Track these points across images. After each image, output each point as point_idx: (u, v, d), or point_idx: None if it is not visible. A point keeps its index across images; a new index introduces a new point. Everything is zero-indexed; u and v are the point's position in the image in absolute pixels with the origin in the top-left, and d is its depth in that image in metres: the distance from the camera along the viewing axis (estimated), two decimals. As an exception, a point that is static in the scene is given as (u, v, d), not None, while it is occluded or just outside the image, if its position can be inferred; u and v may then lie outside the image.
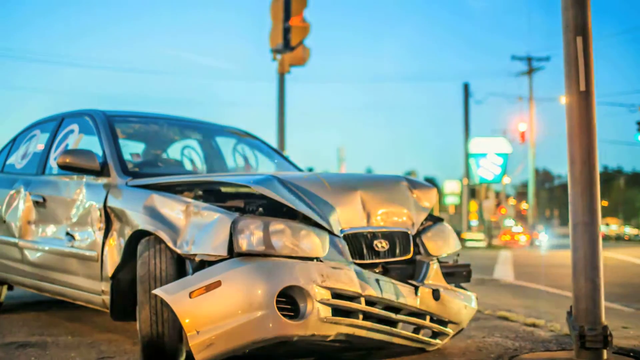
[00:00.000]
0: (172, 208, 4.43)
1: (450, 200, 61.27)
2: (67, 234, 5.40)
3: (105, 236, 4.95)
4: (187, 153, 6.71)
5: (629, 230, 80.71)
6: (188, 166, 6.59)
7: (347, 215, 4.37)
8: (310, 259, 4.07)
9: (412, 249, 4.59)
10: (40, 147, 6.55)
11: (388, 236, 4.49)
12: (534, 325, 6.23)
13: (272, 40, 13.72)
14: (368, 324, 4.13)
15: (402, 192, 4.81)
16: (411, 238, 4.62)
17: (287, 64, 13.87)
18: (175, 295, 3.85)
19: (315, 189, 4.39)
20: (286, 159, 7.06)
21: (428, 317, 4.48)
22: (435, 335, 4.65)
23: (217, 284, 3.82)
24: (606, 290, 4.55)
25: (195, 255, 4.07)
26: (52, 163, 6.08)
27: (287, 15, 13.51)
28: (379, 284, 4.19)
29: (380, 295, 4.16)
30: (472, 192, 46.82)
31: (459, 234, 38.12)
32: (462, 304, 4.71)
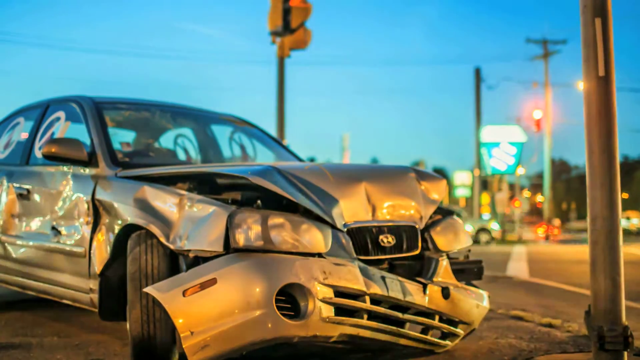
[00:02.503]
0: (165, 201, 4.43)
1: (461, 193, 61.30)
2: (53, 228, 5.40)
3: (94, 231, 4.95)
4: (180, 142, 6.71)
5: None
6: (182, 156, 6.59)
7: (351, 209, 4.36)
8: (312, 254, 4.06)
9: (420, 244, 4.59)
10: (24, 135, 6.54)
11: (394, 230, 4.48)
12: (549, 325, 6.22)
13: (271, 22, 13.69)
14: (373, 324, 4.12)
15: (409, 184, 4.80)
16: (419, 232, 4.61)
17: (287, 47, 13.85)
18: (168, 294, 3.85)
19: (317, 181, 4.39)
20: (286, 148, 7.05)
21: (437, 317, 4.47)
22: (444, 336, 4.65)
23: (213, 281, 3.82)
24: (627, 288, 4.55)
25: (189, 250, 4.06)
26: (37, 153, 6.08)
27: (287, -5, 13.49)
28: (384, 281, 4.19)
29: (386, 293, 4.15)
30: (484, 184, 46.83)
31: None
32: (474, 303, 4.70)
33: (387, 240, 4.40)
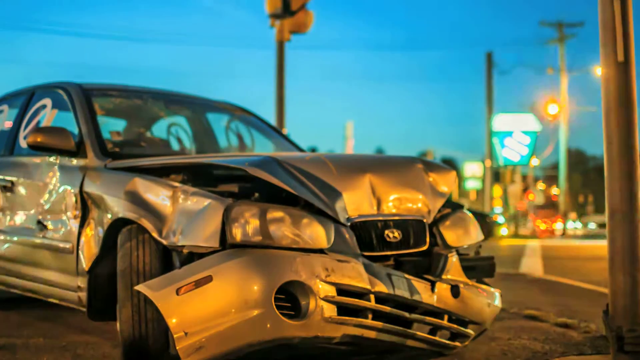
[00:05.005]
0: (157, 193, 4.42)
1: (471, 185, 61.20)
2: (39, 222, 5.40)
3: (82, 225, 4.95)
4: (174, 131, 6.71)
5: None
6: (175, 146, 6.59)
7: (355, 202, 4.36)
8: (313, 250, 4.06)
9: (428, 239, 4.58)
10: (8, 124, 6.54)
11: (401, 225, 4.48)
12: (565, 325, 6.22)
13: (270, 4, 13.65)
14: (378, 324, 4.12)
15: (416, 176, 4.79)
16: (427, 227, 4.61)
17: (287, 30, 13.80)
18: (161, 292, 3.85)
19: (319, 172, 4.38)
20: (286, 137, 7.05)
21: (446, 317, 4.47)
22: (454, 337, 4.64)
23: (208, 279, 3.82)
24: (647, 286, 4.54)
25: (183, 246, 4.06)
26: (22, 142, 6.08)
27: (287, -25, 13.44)
28: (390, 279, 4.18)
29: (392, 291, 4.15)
30: (496, 176, 46.73)
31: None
32: (485, 302, 4.70)
33: (393, 235, 4.39)
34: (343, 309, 4.01)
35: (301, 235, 4.04)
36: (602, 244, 5.35)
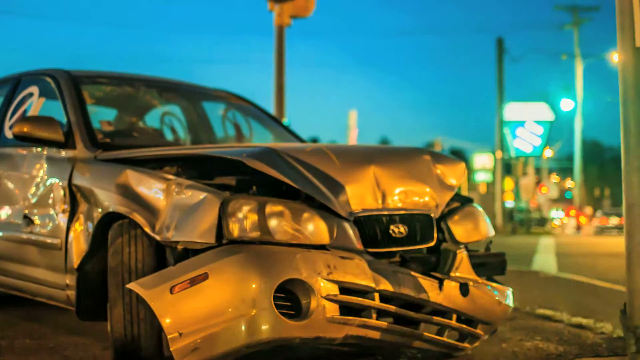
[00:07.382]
0: (150, 186, 4.42)
1: (481, 177, 61.17)
2: (25, 217, 5.40)
3: (70, 220, 4.94)
4: (168, 121, 6.71)
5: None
6: (169, 136, 6.58)
7: (359, 195, 4.34)
8: (315, 247, 4.05)
9: (435, 235, 4.58)
10: (-7, 113, 6.52)
11: (407, 220, 4.47)
12: (580, 326, 6.22)
13: (269, -13, 13.62)
14: (383, 324, 4.12)
15: (423, 167, 4.78)
16: (434, 222, 4.60)
17: (287, 14, 13.76)
18: (154, 290, 3.85)
19: (321, 164, 4.37)
20: (286, 128, 7.04)
21: (455, 316, 4.46)
22: (463, 337, 4.64)
23: (204, 276, 3.81)
24: (667, 284, 4.53)
25: (177, 242, 4.05)
26: (7, 132, 6.06)
27: (287, -44, 13.40)
28: (396, 276, 4.17)
29: (398, 289, 4.14)
30: (507, 168, 46.71)
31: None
32: (496, 301, 4.69)
33: (399, 230, 4.39)
34: (346, 308, 4.00)
35: (302, 231, 4.03)
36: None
